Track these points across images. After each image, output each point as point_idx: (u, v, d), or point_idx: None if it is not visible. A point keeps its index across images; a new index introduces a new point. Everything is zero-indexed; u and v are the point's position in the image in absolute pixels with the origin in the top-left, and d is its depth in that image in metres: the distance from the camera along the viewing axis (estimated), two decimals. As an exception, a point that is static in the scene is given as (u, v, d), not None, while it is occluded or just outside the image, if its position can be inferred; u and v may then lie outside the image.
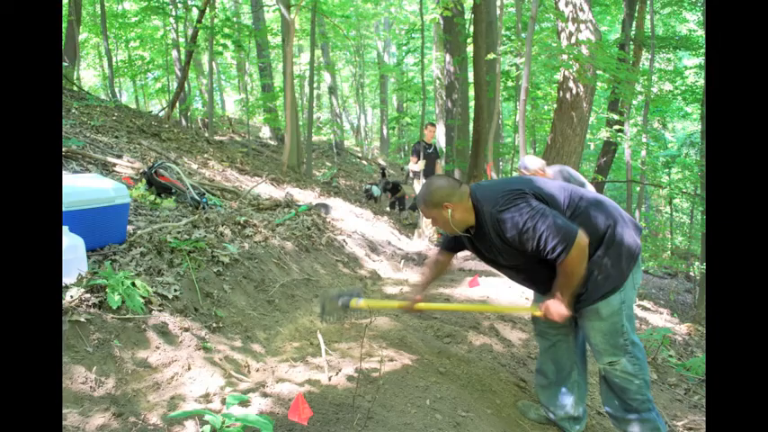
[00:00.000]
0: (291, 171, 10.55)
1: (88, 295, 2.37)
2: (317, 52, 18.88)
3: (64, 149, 4.67)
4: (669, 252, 17.03)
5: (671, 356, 3.69)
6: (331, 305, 2.35)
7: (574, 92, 7.71)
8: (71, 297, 2.30)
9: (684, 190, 13.80)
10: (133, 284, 2.50)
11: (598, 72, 7.55)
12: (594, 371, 2.66)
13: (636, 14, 11.58)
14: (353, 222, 6.59)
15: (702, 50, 11.62)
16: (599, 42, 7.17)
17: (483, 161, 9.60)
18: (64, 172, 4.14)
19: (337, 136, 21.30)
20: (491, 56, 8.88)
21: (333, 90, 22.83)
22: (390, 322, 3.21)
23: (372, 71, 26.63)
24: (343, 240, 5.39)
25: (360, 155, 23.38)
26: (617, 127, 11.10)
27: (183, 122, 14.93)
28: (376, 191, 11.03)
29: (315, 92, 19.68)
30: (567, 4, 7.18)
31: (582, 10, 7.25)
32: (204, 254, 3.27)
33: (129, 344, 2.26)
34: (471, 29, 10.61)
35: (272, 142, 19.45)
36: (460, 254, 2.57)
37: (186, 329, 2.53)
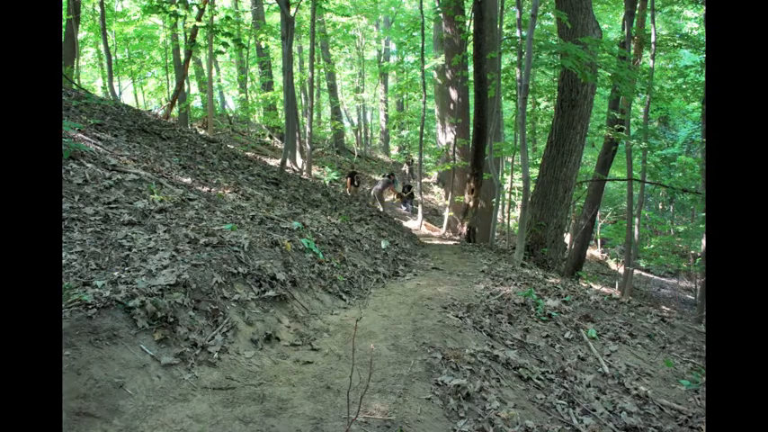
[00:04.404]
0: (290, 171, 10.52)
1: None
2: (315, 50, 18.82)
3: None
4: (670, 251, 17.04)
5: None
6: None
7: (574, 90, 7.71)
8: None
9: (685, 188, 13.79)
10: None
11: (599, 70, 7.55)
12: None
13: (637, 12, 11.56)
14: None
15: (703, 48, 11.60)
16: (599, 40, 7.16)
17: (484, 159, 9.60)
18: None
19: (337, 129, 21.39)
20: (492, 54, 8.86)
21: (333, 88, 22.80)
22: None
23: (372, 68, 26.60)
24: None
25: (359, 153, 23.35)
26: (618, 126, 11.10)
27: (183, 121, 14.92)
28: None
29: (315, 89, 19.66)
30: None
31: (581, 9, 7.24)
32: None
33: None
34: (471, 27, 10.59)
35: (272, 140, 19.43)
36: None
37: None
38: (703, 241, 13.20)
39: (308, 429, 2.04)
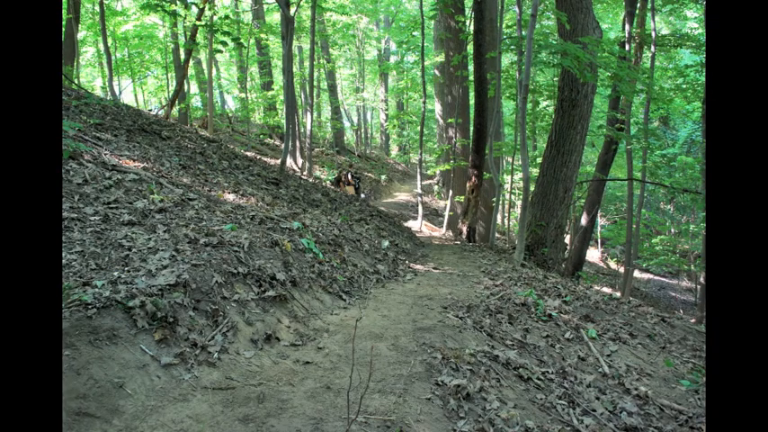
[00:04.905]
0: (291, 171, 10.51)
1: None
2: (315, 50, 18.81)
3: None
4: (671, 250, 17.04)
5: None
6: None
7: (574, 90, 7.70)
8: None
9: (685, 188, 13.79)
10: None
11: (599, 70, 7.55)
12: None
13: (637, 12, 11.56)
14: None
15: (703, 48, 11.60)
16: (599, 40, 7.15)
17: (484, 159, 9.60)
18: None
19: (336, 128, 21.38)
20: (492, 54, 8.86)
21: (333, 88, 22.80)
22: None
23: (373, 67, 26.61)
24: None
25: (359, 153, 23.35)
26: (618, 125, 11.10)
27: (183, 120, 14.92)
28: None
29: (315, 89, 19.66)
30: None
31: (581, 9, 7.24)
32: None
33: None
34: (471, 27, 10.59)
35: (272, 140, 19.43)
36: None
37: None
38: (704, 241, 13.20)
39: (308, 429, 2.04)
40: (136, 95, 23.17)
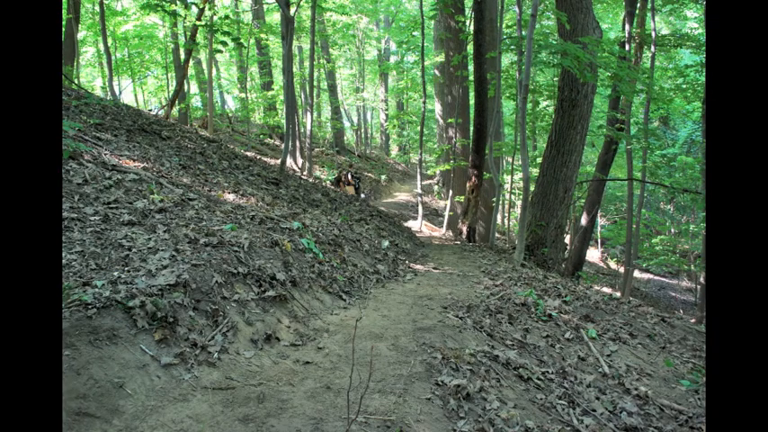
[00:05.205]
0: (291, 172, 10.50)
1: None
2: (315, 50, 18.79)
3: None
4: (671, 251, 17.03)
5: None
6: None
7: (574, 90, 7.70)
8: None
9: (685, 188, 13.78)
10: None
11: (599, 70, 7.55)
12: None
13: (637, 12, 11.56)
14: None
15: (703, 48, 11.60)
16: (599, 40, 7.15)
17: (484, 159, 9.60)
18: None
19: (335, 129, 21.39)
20: (492, 54, 8.86)
21: (333, 88, 22.80)
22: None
23: (373, 67, 26.61)
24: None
25: (359, 153, 23.34)
26: (618, 125, 11.10)
27: (183, 120, 14.91)
28: None
29: (315, 89, 19.65)
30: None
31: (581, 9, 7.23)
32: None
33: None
34: (471, 27, 10.59)
35: (272, 140, 19.43)
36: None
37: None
38: (704, 241, 13.19)
39: (308, 429, 2.04)
40: (136, 95, 23.17)
